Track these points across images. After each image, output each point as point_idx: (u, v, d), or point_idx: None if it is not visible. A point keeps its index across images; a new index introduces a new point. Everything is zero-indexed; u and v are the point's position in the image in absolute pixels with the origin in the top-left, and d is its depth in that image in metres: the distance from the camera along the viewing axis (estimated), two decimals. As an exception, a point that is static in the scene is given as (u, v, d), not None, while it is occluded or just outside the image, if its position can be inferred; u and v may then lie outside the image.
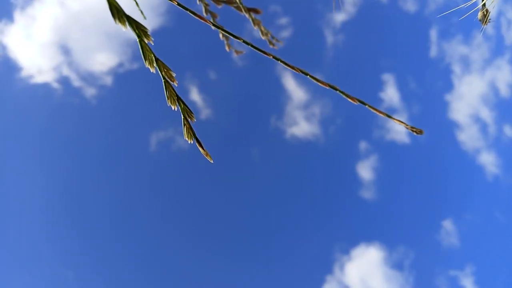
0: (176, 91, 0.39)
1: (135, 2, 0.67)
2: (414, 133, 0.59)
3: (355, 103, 0.55)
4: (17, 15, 5.05)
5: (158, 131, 5.01)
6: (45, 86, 4.90)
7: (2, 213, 4.68)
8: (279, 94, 5.29)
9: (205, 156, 0.40)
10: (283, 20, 5.16)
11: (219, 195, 5.21)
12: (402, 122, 0.57)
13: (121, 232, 4.97)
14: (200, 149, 0.40)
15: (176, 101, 0.39)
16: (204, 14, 0.79)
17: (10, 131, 4.83)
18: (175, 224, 5.12)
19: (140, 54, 0.37)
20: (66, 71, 4.91)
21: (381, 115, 0.57)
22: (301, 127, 5.21)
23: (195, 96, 5.03)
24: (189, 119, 0.39)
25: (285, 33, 5.14)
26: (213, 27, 0.92)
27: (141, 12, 0.69)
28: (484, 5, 0.73)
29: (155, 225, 5.07)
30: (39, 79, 4.85)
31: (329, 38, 5.31)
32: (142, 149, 5.04)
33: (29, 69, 4.91)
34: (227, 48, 0.84)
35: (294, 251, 5.15)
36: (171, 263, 4.97)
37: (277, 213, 5.20)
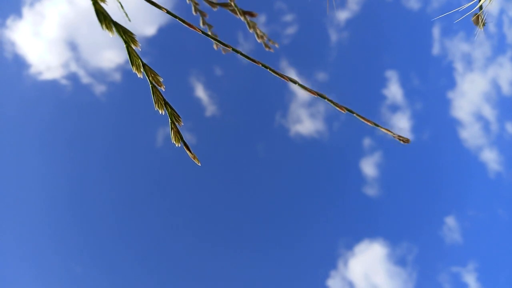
0: (163, 96, 0.39)
1: (119, 4, 0.67)
2: (401, 142, 0.59)
3: (343, 111, 0.56)
4: (26, 11, 5.08)
5: (165, 127, 5.04)
6: (53, 83, 4.93)
7: (12, 207, 4.74)
8: (284, 91, 5.30)
9: (192, 159, 0.41)
10: (288, 17, 5.16)
11: (224, 191, 5.24)
12: (389, 131, 0.57)
13: (127, 227, 5.01)
14: (188, 152, 0.40)
15: (163, 105, 0.40)
16: (194, 13, 0.80)
17: (20, 127, 4.88)
18: (181, 219, 5.16)
19: (128, 59, 0.38)
20: (74, 68, 4.94)
21: (368, 123, 0.57)
22: (305, 124, 5.22)
23: (200, 93, 5.05)
24: (176, 123, 0.40)
25: (290, 30, 5.15)
26: (205, 24, 0.92)
27: (126, 14, 0.70)
28: (480, 7, 0.73)
29: (161, 220, 5.11)
30: (48, 75, 4.89)
31: (333, 35, 5.31)
32: (149, 145, 5.08)
33: (38, 66, 4.93)
34: (215, 47, 0.85)
35: (298, 246, 5.18)
36: (178, 258, 5.01)
37: (282, 210, 5.23)
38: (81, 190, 5.01)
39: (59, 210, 4.93)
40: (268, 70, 0.48)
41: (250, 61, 0.47)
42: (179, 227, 5.14)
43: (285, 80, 0.48)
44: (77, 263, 4.78)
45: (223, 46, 0.94)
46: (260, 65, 0.48)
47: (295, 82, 0.49)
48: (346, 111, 0.50)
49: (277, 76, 0.48)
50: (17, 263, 4.64)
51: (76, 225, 4.93)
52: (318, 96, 0.50)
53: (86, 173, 5.03)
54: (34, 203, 4.86)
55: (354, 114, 0.50)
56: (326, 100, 0.50)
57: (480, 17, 0.82)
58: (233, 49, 0.47)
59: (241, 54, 0.47)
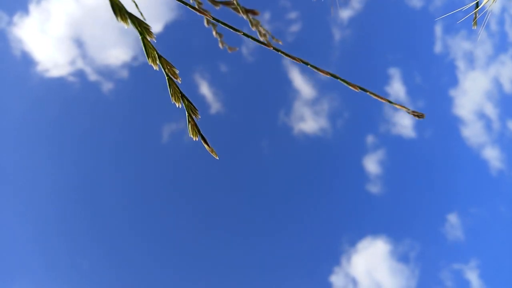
0: (180, 88, 0.39)
1: (134, 3, 0.67)
2: (416, 117, 0.59)
3: (356, 90, 0.55)
4: (32, 8, 5.07)
5: (170, 123, 5.05)
6: (61, 80, 4.93)
7: (19, 203, 4.74)
8: (287, 89, 5.32)
9: (210, 152, 0.40)
10: (292, 15, 5.17)
11: (228, 188, 5.24)
12: (403, 106, 0.57)
13: (132, 222, 5.01)
14: (206, 146, 0.40)
15: (180, 98, 0.39)
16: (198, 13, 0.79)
17: (28, 125, 4.87)
18: (185, 215, 5.17)
19: (143, 52, 0.37)
20: (81, 65, 4.94)
21: (382, 101, 0.56)
22: (309, 121, 5.23)
23: (205, 90, 5.06)
24: (193, 116, 0.39)
25: (294, 28, 5.17)
26: (209, 25, 0.91)
27: (141, 13, 0.69)
28: (476, 6, 0.73)
29: (166, 216, 5.11)
30: (55, 73, 4.89)
31: (336, 33, 5.32)
32: (155, 141, 5.09)
33: (45, 63, 4.93)
34: (220, 45, 0.84)
35: (302, 243, 5.18)
36: (181, 254, 5.01)
37: (285, 207, 5.24)
38: (88, 186, 5.01)
39: (66, 205, 4.93)
40: (279, 53, 0.48)
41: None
42: (183, 224, 5.15)
43: (297, 62, 0.48)
44: (83, 257, 4.79)
45: (228, 46, 0.93)
46: (272, 48, 0.47)
47: (307, 63, 0.48)
48: (359, 90, 0.49)
49: (289, 58, 0.47)
50: (24, 259, 4.64)
51: (83, 220, 4.94)
52: (331, 76, 0.50)
53: (93, 170, 5.04)
54: (41, 199, 4.86)
55: (368, 92, 0.50)
56: (339, 79, 0.49)
57: (476, 17, 0.82)
58: (244, 34, 0.46)
59: (253, 38, 0.46)
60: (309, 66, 0.48)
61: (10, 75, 4.77)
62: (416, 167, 5.32)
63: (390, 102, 0.51)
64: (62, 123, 4.98)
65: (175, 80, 0.38)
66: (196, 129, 0.39)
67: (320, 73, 0.48)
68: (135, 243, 4.95)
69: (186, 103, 0.39)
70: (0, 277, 4.41)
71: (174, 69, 0.38)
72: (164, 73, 0.38)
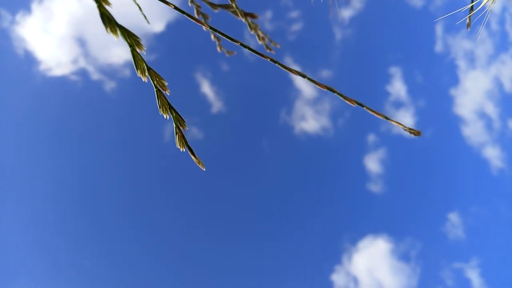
0: (168, 100, 0.39)
1: (138, 7, 0.67)
2: (413, 135, 0.59)
3: (353, 105, 0.55)
4: (35, 7, 5.09)
5: (172, 122, 5.07)
6: (63, 79, 4.96)
7: (20, 202, 4.77)
8: (289, 89, 5.33)
9: (197, 164, 0.40)
10: (293, 14, 5.17)
11: (230, 187, 5.26)
12: (400, 124, 0.57)
13: (134, 221, 5.04)
14: (193, 157, 0.40)
15: (168, 109, 0.39)
16: (196, 16, 0.79)
17: (30, 123, 4.89)
18: (187, 214, 5.18)
19: (132, 63, 0.38)
20: (83, 64, 4.97)
21: (379, 117, 0.56)
22: (310, 120, 5.24)
23: (206, 89, 5.07)
24: (181, 128, 0.39)
25: (295, 27, 5.17)
26: (207, 29, 0.91)
27: (144, 17, 0.69)
28: (472, 8, 0.73)
29: (167, 215, 5.13)
30: (58, 71, 4.91)
31: (338, 33, 5.32)
32: (157, 140, 5.11)
33: (48, 62, 4.96)
34: (218, 49, 0.84)
35: (303, 242, 5.20)
36: (184, 253, 5.03)
37: (286, 206, 5.25)
38: (89, 185, 5.04)
39: (67, 204, 4.96)
40: (277, 64, 0.48)
41: (259, 56, 0.47)
42: (184, 223, 5.17)
43: (294, 74, 0.48)
44: (85, 257, 4.82)
45: (226, 49, 0.94)
46: (269, 59, 0.47)
47: (304, 76, 0.48)
48: (356, 104, 0.49)
49: (286, 70, 0.47)
50: (24, 259, 4.66)
51: (84, 220, 4.96)
52: (327, 90, 0.50)
53: (95, 169, 5.06)
54: (43, 198, 4.89)
55: (364, 107, 0.50)
56: (335, 93, 0.49)
57: (470, 20, 0.82)
58: (241, 44, 0.47)
59: (250, 49, 0.47)
60: (306, 78, 0.49)
61: (12, 74, 4.80)
62: (417, 166, 5.33)
63: (387, 118, 0.51)
64: (64, 122, 5.01)
65: (163, 92, 0.38)
66: (184, 140, 0.40)
67: (317, 86, 0.49)
68: (136, 243, 4.98)
69: (174, 114, 0.39)
70: (0, 277, 4.43)
71: (163, 81, 0.38)
72: (153, 85, 0.38)
